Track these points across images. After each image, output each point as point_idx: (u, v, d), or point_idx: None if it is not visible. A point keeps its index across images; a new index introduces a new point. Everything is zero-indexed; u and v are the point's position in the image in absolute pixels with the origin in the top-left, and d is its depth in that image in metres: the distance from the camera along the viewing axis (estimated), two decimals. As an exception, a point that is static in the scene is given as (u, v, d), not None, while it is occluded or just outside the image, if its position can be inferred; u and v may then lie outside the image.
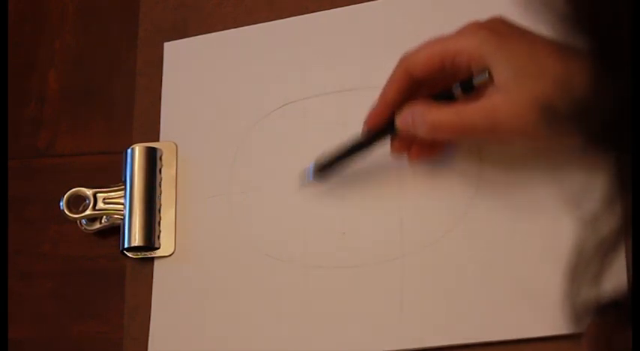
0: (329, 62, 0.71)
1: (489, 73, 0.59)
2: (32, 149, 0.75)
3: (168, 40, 0.74)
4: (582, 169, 0.60)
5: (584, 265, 0.47)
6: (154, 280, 0.68)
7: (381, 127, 0.64)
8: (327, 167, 0.66)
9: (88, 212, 0.69)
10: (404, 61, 0.63)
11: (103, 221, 0.70)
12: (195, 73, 0.73)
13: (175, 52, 0.74)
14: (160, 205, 0.70)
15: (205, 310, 0.67)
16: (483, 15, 0.62)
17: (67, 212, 0.69)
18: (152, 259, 0.69)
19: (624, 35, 0.35)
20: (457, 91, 0.61)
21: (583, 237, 0.41)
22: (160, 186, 0.70)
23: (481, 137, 0.63)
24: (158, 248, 0.69)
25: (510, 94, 0.58)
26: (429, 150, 0.65)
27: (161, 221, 0.69)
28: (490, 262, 0.63)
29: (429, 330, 0.63)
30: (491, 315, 0.62)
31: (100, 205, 0.69)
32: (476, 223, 0.64)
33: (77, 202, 0.70)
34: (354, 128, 0.68)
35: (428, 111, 0.61)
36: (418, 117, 0.61)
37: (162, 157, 0.71)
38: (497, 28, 0.61)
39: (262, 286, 0.67)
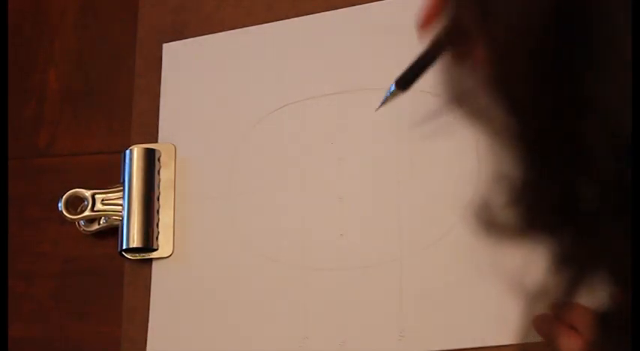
0: (328, 64, 0.71)
1: None
2: (32, 149, 0.75)
3: (167, 42, 0.74)
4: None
5: None
6: (152, 281, 0.68)
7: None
8: (409, 80, 0.55)
9: (86, 213, 0.69)
10: None
11: (101, 222, 0.70)
12: (193, 74, 0.73)
13: (174, 53, 0.73)
14: (159, 207, 0.70)
15: (203, 311, 0.67)
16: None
17: (65, 213, 0.69)
18: (150, 260, 0.69)
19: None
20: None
21: (532, 306, 0.41)
22: (159, 187, 0.70)
23: None
24: (156, 250, 0.69)
25: None
26: None
27: (159, 223, 0.69)
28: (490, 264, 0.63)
29: (429, 332, 0.63)
30: (492, 318, 0.62)
31: (99, 206, 0.69)
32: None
33: (76, 203, 0.70)
34: (353, 129, 0.68)
35: None
36: None
37: (161, 159, 0.71)
38: None
39: (260, 288, 0.67)
